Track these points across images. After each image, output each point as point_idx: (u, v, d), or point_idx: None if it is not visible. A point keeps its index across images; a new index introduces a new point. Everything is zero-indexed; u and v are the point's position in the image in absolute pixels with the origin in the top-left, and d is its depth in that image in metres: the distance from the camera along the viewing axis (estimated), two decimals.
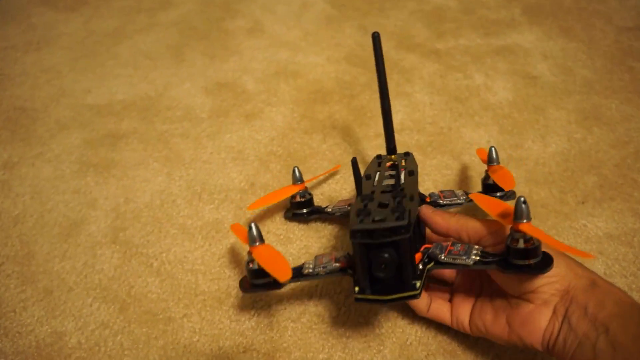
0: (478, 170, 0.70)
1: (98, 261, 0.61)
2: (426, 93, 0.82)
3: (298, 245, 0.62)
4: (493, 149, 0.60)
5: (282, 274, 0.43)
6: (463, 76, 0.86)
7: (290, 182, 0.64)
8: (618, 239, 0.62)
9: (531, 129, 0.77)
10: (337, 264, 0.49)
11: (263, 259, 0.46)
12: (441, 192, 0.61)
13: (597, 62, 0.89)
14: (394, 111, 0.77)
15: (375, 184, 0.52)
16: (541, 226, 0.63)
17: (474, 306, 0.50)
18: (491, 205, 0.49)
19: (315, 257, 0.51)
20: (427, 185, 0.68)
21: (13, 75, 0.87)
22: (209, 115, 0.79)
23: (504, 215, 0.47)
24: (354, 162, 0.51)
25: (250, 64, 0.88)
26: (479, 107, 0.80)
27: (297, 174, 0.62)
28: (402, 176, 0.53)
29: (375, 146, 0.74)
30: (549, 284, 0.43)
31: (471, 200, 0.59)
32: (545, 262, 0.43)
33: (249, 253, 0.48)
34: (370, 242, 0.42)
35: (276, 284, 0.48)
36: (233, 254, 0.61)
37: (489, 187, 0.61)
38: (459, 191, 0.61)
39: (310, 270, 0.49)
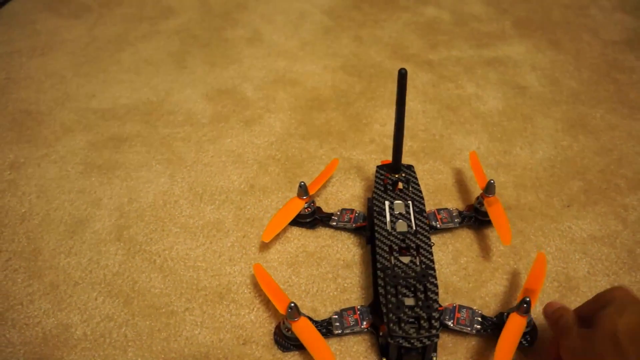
0: (468, 175, 0.73)
1: (103, 257, 0.64)
2: (419, 101, 0.86)
3: (296, 245, 0.65)
4: (492, 182, 0.63)
5: None
6: (455, 86, 0.89)
7: (289, 186, 0.67)
8: (601, 240, 0.65)
9: (520, 136, 0.80)
10: (363, 327, 0.55)
11: (306, 341, 0.52)
12: (438, 212, 0.66)
13: (584, 73, 0.93)
14: (388, 119, 0.80)
15: (388, 226, 0.57)
16: (528, 228, 0.66)
17: None
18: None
19: (342, 313, 0.56)
20: None
21: (18, 79, 0.89)
22: (210, 120, 0.81)
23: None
24: (370, 203, 0.59)
25: (249, 71, 0.91)
26: (470, 115, 0.83)
27: (303, 188, 0.64)
28: (412, 217, 0.59)
29: (370, 151, 0.77)
30: None
31: (463, 221, 0.65)
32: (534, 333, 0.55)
33: (287, 320, 0.52)
34: (408, 346, 0.49)
35: None
36: (233, 252, 0.64)
37: (480, 213, 0.65)
38: (453, 210, 0.66)
39: (340, 332, 0.55)
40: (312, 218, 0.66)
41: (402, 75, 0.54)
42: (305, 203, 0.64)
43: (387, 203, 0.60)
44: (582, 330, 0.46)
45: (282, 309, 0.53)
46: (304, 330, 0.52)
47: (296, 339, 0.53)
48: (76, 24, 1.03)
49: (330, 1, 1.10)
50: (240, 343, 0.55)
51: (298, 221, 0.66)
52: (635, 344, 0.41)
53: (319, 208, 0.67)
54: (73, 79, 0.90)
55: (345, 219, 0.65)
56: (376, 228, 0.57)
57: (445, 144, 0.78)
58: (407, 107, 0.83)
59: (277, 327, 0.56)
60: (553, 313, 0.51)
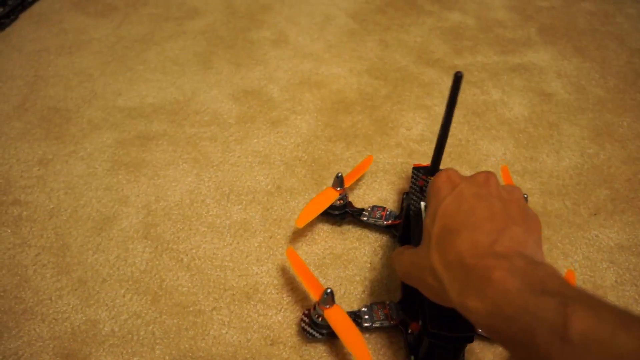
0: None
1: (130, 255, 0.64)
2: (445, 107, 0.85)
3: (323, 246, 0.65)
4: (525, 195, 0.63)
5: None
6: (480, 91, 0.89)
7: (316, 188, 0.66)
8: (629, 249, 0.65)
9: (546, 143, 0.79)
10: (393, 322, 0.55)
11: (339, 329, 0.51)
12: None
13: (610, 81, 0.92)
14: (414, 123, 0.81)
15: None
16: (555, 236, 0.66)
17: None
18: None
19: (371, 307, 0.56)
20: None
21: (46, 77, 0.90)
22: (236, 121, 0.82)
23: None
24: (406, 202, 0.58)
25: (275, 73, 0.91)
26: (496, 121, 0.83)
27: (340, 179, 0.64)
28: None
29: (396, 155, 0.77)
30: None
31: None
32: None
33: (318, 307, 0.52)
34: (443, 344, 0.48)
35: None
36: (260, 252, 0.64)
37: None
38: None
39: (369, 325, 0.55)
40: (343, 211, 0.66)
41: (458, 79, 0.53)
42: (339, 194, 0.64)
43: (422, 204, 0.59)
44: (411, 251, 0.46)
45: (315, 295, 0.53)
46: (337, 318, 0.51)
47: (326, 327, 0.53)
48: (103, 23, 1.04)
49: (355, 4, 1.10)
50: (268, 343, 0.56)
51: (328, 212, 0.65)
52: (440, 250, 0.40)
53: (349, 202, 0.67)
54: (100, 78, 0.90)
55: (377, 216, 0.65)
56: (412, 229, 0.57)
57: (472, 149, 0.78)
58: (433, 112, 0.84)
59: (306, 315, 0.56)
60: (391, 264, 0.52)
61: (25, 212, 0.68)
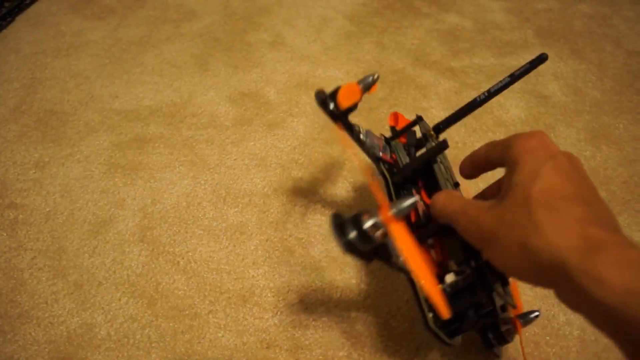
0: (490, 182, 0.72)
1: (126, 258, 0.64)
2: (442, 109, 0.85)
3: (319, 249, 0.65)
4: None
5: (444, 309, 0.41)
6: (477, 94, 0.89)
7: (313, 191, 0.66)
8: None
9: None
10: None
11: (405, 248, 0.40)
12: None
13: (607, 83, 0.92)
14: None
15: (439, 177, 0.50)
16: None
17: None
18: None
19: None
20: None
21: (43, 79, 0.90)
22: (233, 123, 0.82)
23: None
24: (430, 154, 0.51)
25: (272, 75, 0.91)
26: (493, 123, 0.83)
27: (372, 83, 0.54)
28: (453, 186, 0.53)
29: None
30: None
31: None
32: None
33: (380, 217, 0.39)
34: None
35: (369, 259, 0.42)
36: (256, 255, 0.64)
37: None
38: None
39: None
40: (347, 120, 0.56)
41: (542, 60, 0.49)
42: (359, 97, 0.53)
43: (437, 165, 0.52)
44: (488, 205, 0.40)
45: (383, 199, 0.42)
46: (404, 235, 0.40)
47: (374, 243, 0.40)
48: (100, 26, 1.04)
49: (352, 7, 1.10)
50: (264, 347, 0.56)
51: (332, 110, 0.55)
52: (549, 211, 0.36)
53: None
54: (97, 80, 0.90)
55: (375, 142, 0.57)
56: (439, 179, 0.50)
57: (468, 152, 0.78)
58: (429, 114, 0.84)
59: (349, 222, 0.39)
60: (440, 207, 0.45)
61: (21, 216, 0.68)
